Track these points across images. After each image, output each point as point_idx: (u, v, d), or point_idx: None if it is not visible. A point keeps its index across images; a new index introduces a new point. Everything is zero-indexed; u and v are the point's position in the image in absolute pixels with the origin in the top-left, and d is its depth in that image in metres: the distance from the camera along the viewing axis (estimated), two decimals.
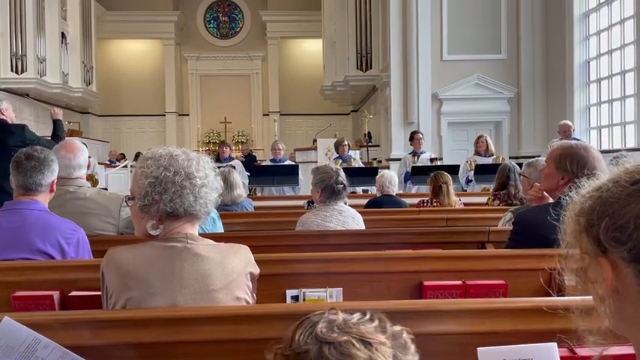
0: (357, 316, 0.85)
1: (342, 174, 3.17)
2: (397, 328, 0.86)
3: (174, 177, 1.61)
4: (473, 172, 7.37)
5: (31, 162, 2.32)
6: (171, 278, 1.59)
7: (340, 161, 7.94)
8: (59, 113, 5.45)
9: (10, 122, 4.84)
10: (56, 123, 5.32)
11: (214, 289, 1.60)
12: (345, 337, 0.79)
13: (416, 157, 7.92)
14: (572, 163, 2.25)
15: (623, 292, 0.78)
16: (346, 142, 8.42)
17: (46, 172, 2.34)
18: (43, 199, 2.37)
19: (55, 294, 2.01)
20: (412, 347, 0.85)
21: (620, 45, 8.95)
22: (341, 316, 0.84)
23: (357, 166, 8.32)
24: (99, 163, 12.37)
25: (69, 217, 2.45)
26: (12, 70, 12.94)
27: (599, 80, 9.68)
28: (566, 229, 0.86)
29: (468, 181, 7.51)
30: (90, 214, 2.82)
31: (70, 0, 15.27)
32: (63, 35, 15.05)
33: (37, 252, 2.25)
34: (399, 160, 10.31)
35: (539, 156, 5.67)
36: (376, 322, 0.84)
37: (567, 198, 0.89)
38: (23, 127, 4.87)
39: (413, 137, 8.20)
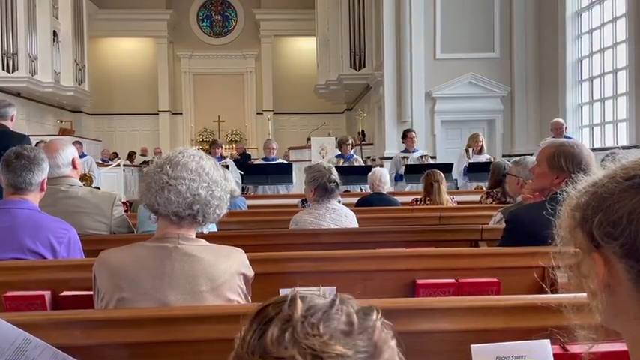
0: (320, 309, 0.70)
1: (335, 172, 3.16)
2: (370, 322, 0.71)
3: (169, 180, 1.60)
4: (467, 165, 7.31)
5: (21, 161, 2.30)
6: (162, 278, 1.58)
7: (342, 160, 7.77)
8: None
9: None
10: None
11: (205, 289, 1.59)
12: (291, 352, 0.66)
13: (405, 160, 7.83)
14: (568, 162, 2.24)
15: (615, 287, 0.79)
16: (350, 142, 8.02)
17: (36, 171, 2.32)
18: (34, 198, 2.35)
19: (47, 294, 2.00)
20: (387, 342, 0.71)
21: (612, 43, 9.00)
22: (300, 310, 0.70)
23: (357, 165, 8.12)
24: None
25: (61, 216, 2.44)
26: (3, 69, 12.85)
27: (591, 79, 9.72)
28: (561, 224, 0.87)
29: (467, 172, 7.36)
30: (82, 213, 2.80)
31: None
32: (55, 33, 14.95)
33: (28, 251, 2.23)
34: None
35: (531, 154, 5.69)
36: (342, 319, 0.70)
37: (564, 193, 0.89)
38: (25, 137, 4.90)
39: (406, 136, 8.10)
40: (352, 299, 0.74)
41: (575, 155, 2.23)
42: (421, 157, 7.93)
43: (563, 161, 2.25)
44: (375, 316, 0.72)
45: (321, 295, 0.74)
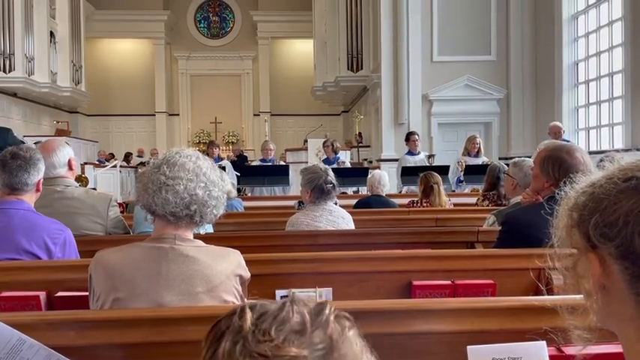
0: (271, 314, 0.70)
1: (331, 174, 3.16)
2: (323, 317, 0.69)
3: (166, 180, 1.60)
4: (463, 172, 7.39)
5: (16, 161, 2.29)
6: (157, 279, 1.57)
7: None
8: None
9: None
10: None
11: (201, 290, 1.58)
12: None
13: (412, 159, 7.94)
14: (555, 168, 2.23)
15: (610, 288, 0.79)
16: (329, 143, 8.06)
17: (31, 171, 2.31)
18: (29, 198, 2.34)
19: (42, 294, 1.99)
20: (343, 333, 0.69)
21: (608, 47, 9.03)
22: (249, 319, 0.69)
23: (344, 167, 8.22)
24: (88, 163, 12.28)
25: (56, 216, 2.43)
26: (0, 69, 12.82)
27: (587, 82, 9.76)
28: (558, 224, 0.87)
29: (460, 182, 7.52)
30: (77, 213, 2.80)
31: None
32: (52, 34, 14.92)
33: (23, 252, 2.22)
34: (390, 160, 10.33)
35: (529, 157, 5.69)
36: (294, 319, 0.69)
37: (562, 193, 0.90)
38: (8, 130, 4.89)
39: (409, 138, 8.20)
40: (306, 300, 0.74)
41: (562, 162, 2.21)
42: (428, 157, 8.05)
43: (551, 168, 2.23)
44: (327, 311, 0.71)
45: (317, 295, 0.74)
